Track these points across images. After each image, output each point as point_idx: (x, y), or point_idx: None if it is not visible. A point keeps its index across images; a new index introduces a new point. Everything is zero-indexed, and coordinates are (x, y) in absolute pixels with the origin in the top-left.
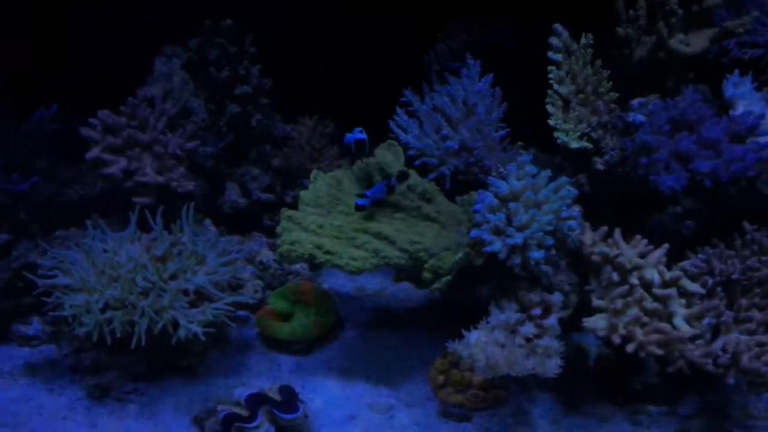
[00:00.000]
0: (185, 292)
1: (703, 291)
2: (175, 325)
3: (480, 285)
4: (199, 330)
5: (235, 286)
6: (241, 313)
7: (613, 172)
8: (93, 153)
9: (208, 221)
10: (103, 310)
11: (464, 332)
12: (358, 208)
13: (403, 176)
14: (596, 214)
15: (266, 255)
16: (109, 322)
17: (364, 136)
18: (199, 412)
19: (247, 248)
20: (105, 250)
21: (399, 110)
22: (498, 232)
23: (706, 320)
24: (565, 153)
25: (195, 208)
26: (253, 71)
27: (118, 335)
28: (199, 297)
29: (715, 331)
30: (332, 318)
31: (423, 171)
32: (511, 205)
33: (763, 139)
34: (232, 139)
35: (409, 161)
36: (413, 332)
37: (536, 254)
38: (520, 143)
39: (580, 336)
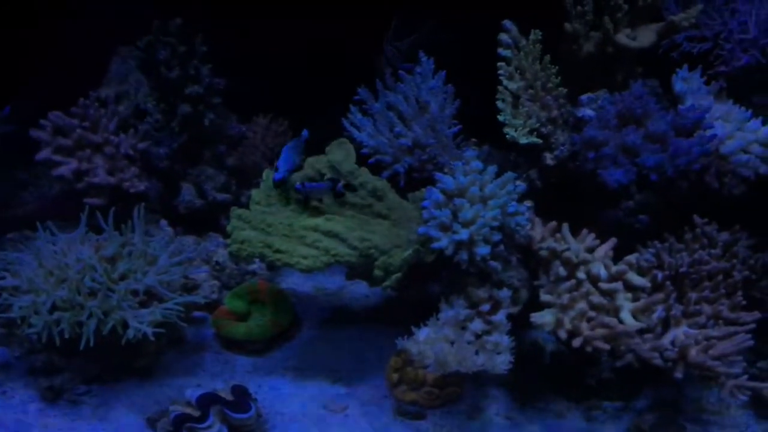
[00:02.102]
0: (135, 293)
1: (648, 284)
2: (125, 325)
3: (433, 282)
4: (148, 330)
5: (191, 287)
6: (198, 313)
7: (563, 167)
8: (43, 154)
9: (164, 222)
10: (51, 311)
11: (414, 329)
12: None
13: (350, 188)
14: (549, 209)
15: (223, 255)
16: (58, 323)
17: (283, 172)
18: (152, 413)
19: (202, 248)
20: (55, 252)
21: (353, 108)
22: (444, 228)
23: (656, 314)
24: (518, 149)
25: (150, 208)
26: (204, 71)
27: (67, 336)
28: (151, 297)
29: (666, 325)
30: (289, 317)
31: (377, 169)
32: (456, 200)
33: (708, 133)
34: (186, 139)
35: (363, 159)
36: (371, 331)
37: (482, 250)
38: (474, 140)
39: (536, 332)
